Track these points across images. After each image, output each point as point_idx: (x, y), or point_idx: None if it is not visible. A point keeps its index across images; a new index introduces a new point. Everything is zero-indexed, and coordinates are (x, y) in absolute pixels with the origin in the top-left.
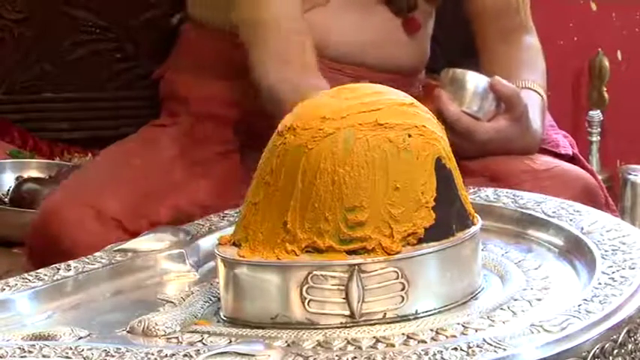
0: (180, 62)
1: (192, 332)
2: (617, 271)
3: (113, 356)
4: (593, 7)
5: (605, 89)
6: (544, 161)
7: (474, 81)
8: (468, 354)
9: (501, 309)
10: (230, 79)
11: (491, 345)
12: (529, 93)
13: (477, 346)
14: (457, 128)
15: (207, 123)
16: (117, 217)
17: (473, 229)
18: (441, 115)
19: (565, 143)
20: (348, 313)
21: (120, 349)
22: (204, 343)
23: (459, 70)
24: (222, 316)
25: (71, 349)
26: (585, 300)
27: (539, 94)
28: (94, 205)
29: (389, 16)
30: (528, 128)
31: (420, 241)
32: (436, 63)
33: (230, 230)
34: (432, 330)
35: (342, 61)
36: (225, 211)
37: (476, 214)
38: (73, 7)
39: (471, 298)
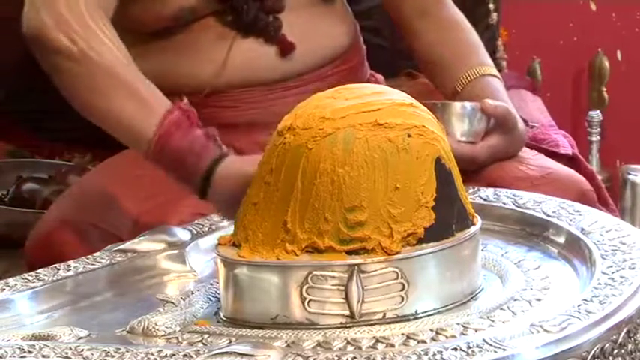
0: None
1: (192, 332)
2: (617, 271)
3: (113, 356)
4: (593, 7)
5: (604, 89)
6: (539, 166)
7: (461, 108)
8: (467, 354)
9: (501, 309)
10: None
11: (491, 345)
12: (491, 81)
13: (477, 346)
14: (460, 159)
15: None
16: (118, 234)
17: (472, 229)
18: None
19: (565, 143)
20: (347, 313)
21: (120, 349)
22: (204, 343)
23: (444, 102)
24: (222, 316)
25: (71, 349)
26: (585, 300)
27: (497, 77)
28: (95, 222)
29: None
30: (519, 132)
31: (420, 241)
32: (398, 69)
33: (230, 230)
34: (431, 330)
35: (273, 82)
36: None
37: (475, 214)
38: None
39: (471, 298)
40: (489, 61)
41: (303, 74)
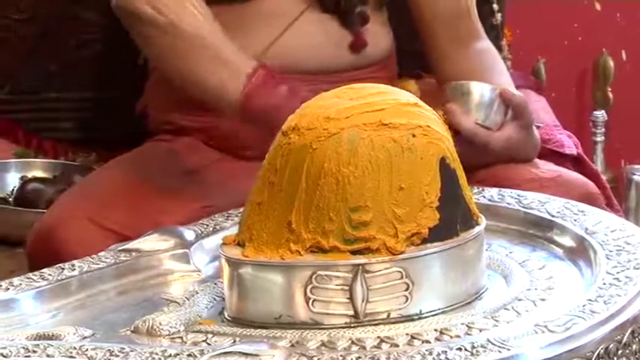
0: (157, 99)
1: (197, 332)
2: (622, 271)
3: (117, 356)
4: (598, 7)
5: (609, 89)
6: (548, 169)
7: (481, 92)
8: (472, 354)
9: (505, 309)
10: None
11: (495, 345)
12: None
13: (481, 346)
14: (474, 142)
15: (202, 144)
16: (119, 231)
17: (477, 229)
18: (451, 127)
19: (570, 143)
20: (352, 313)
21: (124, 348)
22: (208, 343)
23: (463, 83)
24: (227, 316)
25: (75, 348)
26: (590, 300)
27: None
28: (95, 218)
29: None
30: (534, 135)
31: (424, 241)
32: (405, 70)
33: (234, 230)
34: (436, 330)
35: (314, 72)
36: (230, 211)
37: (480, 214)
38: (78, 7)
39: (475, 298)
40: (510, 83)
41: (342, 72)
